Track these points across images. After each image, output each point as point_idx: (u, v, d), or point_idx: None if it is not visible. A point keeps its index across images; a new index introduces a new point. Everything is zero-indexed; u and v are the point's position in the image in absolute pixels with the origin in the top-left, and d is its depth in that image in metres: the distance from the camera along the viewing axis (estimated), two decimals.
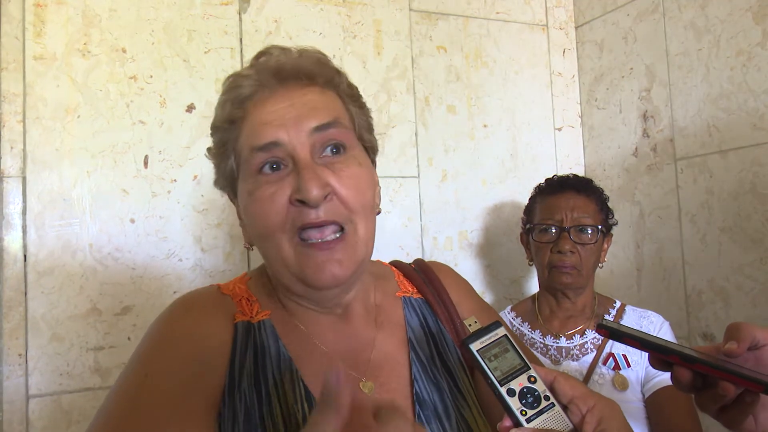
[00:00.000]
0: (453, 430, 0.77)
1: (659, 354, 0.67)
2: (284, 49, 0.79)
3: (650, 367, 1.39)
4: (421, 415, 0.77)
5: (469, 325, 0.70)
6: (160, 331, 0.76)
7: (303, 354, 0.77)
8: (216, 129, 0.80)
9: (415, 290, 0.91)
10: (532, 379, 0.66)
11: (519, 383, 0.65)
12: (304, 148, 0.73)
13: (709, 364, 0.64)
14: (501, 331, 0.69)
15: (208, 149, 0.84)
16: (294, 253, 0.73)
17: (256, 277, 0.86)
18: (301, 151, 0.72)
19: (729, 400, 0.65)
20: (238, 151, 0.77)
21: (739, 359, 0.66)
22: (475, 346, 0.67)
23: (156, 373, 0.70)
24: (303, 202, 0.71)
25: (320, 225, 0.72)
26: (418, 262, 0.96)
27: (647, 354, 0.66)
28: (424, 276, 0.92)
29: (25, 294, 1.38)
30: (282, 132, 0.72)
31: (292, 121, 0.73)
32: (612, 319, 1.50)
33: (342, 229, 0.73)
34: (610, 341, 1.45)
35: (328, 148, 0.74)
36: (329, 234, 0.73)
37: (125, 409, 0.68)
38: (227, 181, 0.80)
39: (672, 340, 1.20)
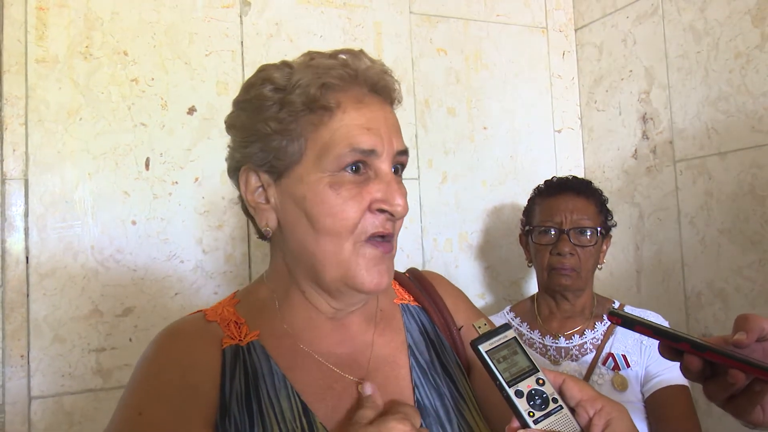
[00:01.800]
0: None
1: (670, 342, 0.68)
2: (375, 62, 0.80)
3: (650, 367, 1.41)
4: (422, 421, 0.77)
5: (479, 327, 0.71)
6: (148, 365, 0.77)
7: (296, 366, 0.78)
8: (287, 104, 0.75)
9: (412, 298, 0.93)
10: (541, 381, 0.67)
11: (527, 385, 0.66)
12: (390, 163, 0.77)
13: (720, 352, 0.65)
14: (510, 334, 0.70)
15: (240, 120, 0.79)
16: (355, 254, 0.75)
17: (246, 298, 0.86)
18: (387, 166, 0.76)
19: (738, 389, 0.66)
20: (320, 139, 0.74)
21: (747, 350, 0.67)
22: (484, 347, 0.67)
23: (148, 409, 0.71)
24: (384, 212, 0.75)
25: (386, 235, 0.76)
26: (412, 271, 0.98)
27: (656, 345, 0.66)
28: (419, 284, 0.94)
29: (27, 296, 1.39)
30: (380, 143, 0.75)
31: (386, 136, 0.76)
32: None
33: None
34: (609, 341, 1.46)
35: (394, 168, 0.79)
36: (385, 242, 0.77)
37: None
38: (278, 160, 0.76)
39: None
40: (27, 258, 1.39)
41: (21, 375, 1.37)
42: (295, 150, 0.75)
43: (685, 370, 0.68)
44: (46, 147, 1.42)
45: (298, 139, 0.75)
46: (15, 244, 1.39)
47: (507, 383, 0.65)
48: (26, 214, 1.40)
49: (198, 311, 0.85)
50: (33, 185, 1.41)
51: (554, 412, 0.65)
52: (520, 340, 0.70)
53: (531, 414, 0.64)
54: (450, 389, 0.82)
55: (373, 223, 0.75)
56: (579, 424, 0.66)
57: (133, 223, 1.49)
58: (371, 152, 0.74)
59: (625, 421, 0.66)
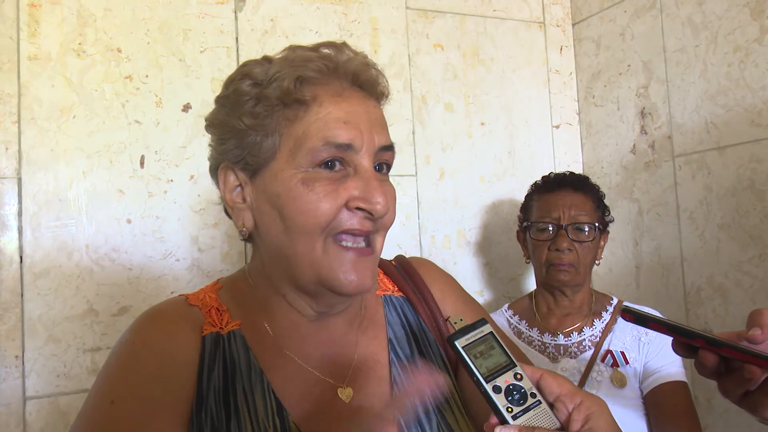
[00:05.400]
0: None
1: (685, 338, 0.66)
2: (358, 54, 0.77)
3: (648, 364, 1.41)
4: (401, 419, 0.75)
5: (455, 323, 0.70)
6: (124, 350, 0.74)
7: (275, 366, 0.76)
8: (262, 98, 0.72)
9: (396, 288, 0.89)
10: (518, 376, 0.66)
11: (505, 380, 0.65)
12: (370, 159, 0.73)
13: (736, 347, 0.64)
14: (487, 329, 0.69)
15: (218, 117, 0.77)
16: (326, 254, 0.72)
17: (228, 286, 0.83)
18: (367, 162, 0.73)
19: (754, 384, 0.65)
20: (295, 134, 0.71)
21: (762, 345, 0.66)
22: (460, 343, 0.66)
23: (120, 399, 0.69)
24: (363, 210, 0.71)
25: (361, 234, 0.73)
26: (399, 259, 0.94)
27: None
28: (404, 273, 0.91)
29: (22, 296, 1.38)
30: (358, 137, 0.72)
31: (367, 131, 0.72)
32: (610, 317, 1.50)
33: (367, 240, 0.74)
34: (608, 338, 1.46)
35: (378, 166, 0.75)
36: (361, 242, 0.73)
37: None
38: (252, 157, 0.74)
39: None
40: (21, 257, 1.38)
41: (16, 375, 1.36)
42: (269, 146, 0.73)
43: (700, 366, 0.67)
44: (40, 145, 1.41)
45: (273, 134, 0.72)
46: (8, 243, 1.38)
47: (484, 379, 0.64)
48: (20, 213, 1.39)
49: (180, 295, 0.83)
50: (26, 184, 1.40)
51: (533, 407, 0.64)
52: (496, 335, 0.69)
53: (509, 410, 0.63)
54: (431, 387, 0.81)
55: (349, 220, 0.71)
56: (558, 419, 0.65)
57: (128, 221, 1.48)
58: (348, 147, 0.71)
59: (605, 415, 0.65)
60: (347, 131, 0.71)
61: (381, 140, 0.74)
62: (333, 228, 0.71)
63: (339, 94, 0.73)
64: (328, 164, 0.71)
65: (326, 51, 0.75)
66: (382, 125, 0.76)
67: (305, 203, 0.70)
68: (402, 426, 0.75)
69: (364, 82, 0.76)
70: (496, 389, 0.64)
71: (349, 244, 0.72)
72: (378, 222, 0.73)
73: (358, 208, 0.71)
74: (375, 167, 0.75)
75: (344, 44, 0.76)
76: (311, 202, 0.70)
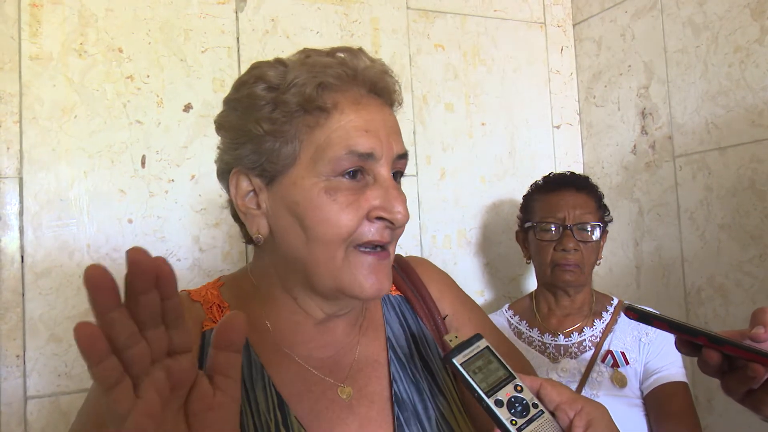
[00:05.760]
0: (433, 431, 0.77)
1: (688, 336, 0.66)
2: (375, 61, 0.76)
3: (649, 364, 1.41)
4: (400, 416, 0.76)
5: (450, 341, 0.70)
6: None
7: (275, 363, 0.76)
8: (281, 103, 0.71)
9: (393, 287, 0.90)
10: (519, 388, 0.66)
11: (506, 393, 0.65)
12: (389, 168, 0.73)
13: (740, 346, 0.64)
14: (482, 343, 0.69)
15: (230, 121, 0.75)
16: (347, 262, 0.71)
17: (230, 283, 0.83)
18: (386, 171, 0.72)
19: (757, 382, 0.65)
20: (315, 141, 0.71)
21: (766, 344, 0.66)
22: (458, 360, 0.66)
23: None
24: (383, 220, 0.71)
25: (381, 244, 0.73)
26: (397, 258, 0.94)
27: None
28: (402, 272, 0.91)
29: (23, 295, 1.38)
30: (378, 146, 0.71)
31: (385, 139, 0.72)
32: (610, 317, 1.50)
33: (382, 245, 0.74)
34: (608, 339, 1.46)
35: (393, 174, 0.75)
36: (378, 247, 0.74)
37: None
38: (270, 164, 0.72)
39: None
40: (22, 257, 1.38)
41: (17, 375, 1.36)
42: (288, 153, 0.71)
43: (703, 364, 0.67)
44: (41, 145, 1.41)
45: (292, 141, 0.71)
46: (10, 243, 1.38)
47: (485, 394, 0.64)
48: (21, 213, 1.39)
49: (183, 290, 0.82)
50: (28, 183, 1.40)
51: (536, 418, 0.64)
52: (493, 349, 0.69)
53: (513, 422, 0.63)
54: (429, 384, 0.81)
55: (370, 230, 0.71)
56: (561, 427, 0.65)
57: (130, 221, 1.48)
58: (369, 155, 0.70)
59: (606, 420, 0.65)
60: (368, 140, 0.70)
61: (398, 148, 0.74)
62: (354, 239, 0.71)
63: (358, 102, 0.72)
64: (351, 174, 0.71)
65: (342, 56, 0.74)
66: (398, 133, 0.76)
67: (327, 213, 0.70)
68: (402, 424, 0.75)
69: (381, 89, 0.76)
70: (498, 403, 0.64)
71: (369, 249, 0.73)
72: (397, 231, 0.74)
73: (379, 218, 0.71)
74: (395, 176, 0.75)
75: (360, 50, 0.76)
76: (333, 212, 0.70)
